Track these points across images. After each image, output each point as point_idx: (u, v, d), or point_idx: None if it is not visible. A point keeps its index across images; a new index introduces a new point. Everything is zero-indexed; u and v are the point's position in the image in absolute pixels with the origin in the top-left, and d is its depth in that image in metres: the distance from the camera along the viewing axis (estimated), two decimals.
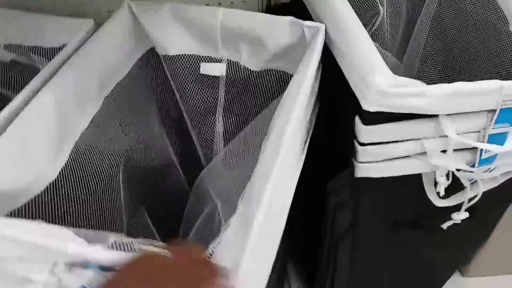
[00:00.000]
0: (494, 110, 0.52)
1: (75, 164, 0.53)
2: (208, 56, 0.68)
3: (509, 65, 0.67)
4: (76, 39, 0.63)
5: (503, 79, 0.51)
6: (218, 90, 0.71)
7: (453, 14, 0.77)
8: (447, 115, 0.52)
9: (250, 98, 0.71)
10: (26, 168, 0.46)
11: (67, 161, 0.52)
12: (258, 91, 0.70)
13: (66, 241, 0.38)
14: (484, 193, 0.61)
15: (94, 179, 0.56)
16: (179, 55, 0.68)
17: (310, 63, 0.54)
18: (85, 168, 0.54)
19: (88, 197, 0.55)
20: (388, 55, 0.78)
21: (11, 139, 0.46)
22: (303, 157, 0.58)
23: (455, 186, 0.59)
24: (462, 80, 0.51)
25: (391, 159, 0.56)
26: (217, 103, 0.72)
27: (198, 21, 0.65)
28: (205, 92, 0.71)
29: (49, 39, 0.67)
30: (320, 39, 0.57)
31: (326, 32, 0.60)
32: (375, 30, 0.77)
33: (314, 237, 0.71)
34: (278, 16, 0.62)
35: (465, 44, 0.76)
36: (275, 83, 0.68)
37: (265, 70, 0.68)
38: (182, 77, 0.69)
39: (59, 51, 0.64)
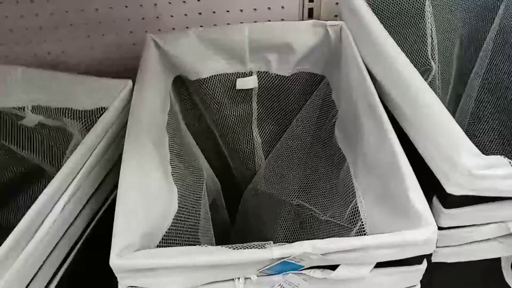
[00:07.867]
0: None
1: None
2: (236, 72, 0.71)
3: None
4: (117, 102, 0.59)
5: None
6: (251, 102, 0.74)
7: (506, 70, 0.72)
8: None
9: (283, 103, 0.74)
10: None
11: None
12: (290, 95, 0.73)
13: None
14: None
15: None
16: (211, 76, 0.70)
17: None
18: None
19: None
20: None
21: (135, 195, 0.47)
22: None
23: None
24: None
25: (470, 243, 0.51)
26: (252, 115, 0.75)
27: (226, 40, 0.67)
28: (239, 106, 0.74)
29: (81, 101, 0.63)
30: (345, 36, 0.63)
31: (392, 99, 0.55)
32: None
33: None
34: (300, 21, 0.68)
35: None
36: (304, 85, 0.72)
37: (294, 73, 0.71)
38: (215, 97, 0.71)
39: (93, 114, 0.62)
